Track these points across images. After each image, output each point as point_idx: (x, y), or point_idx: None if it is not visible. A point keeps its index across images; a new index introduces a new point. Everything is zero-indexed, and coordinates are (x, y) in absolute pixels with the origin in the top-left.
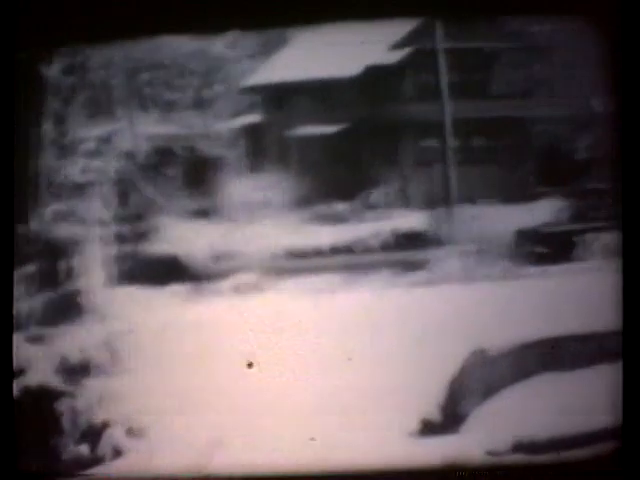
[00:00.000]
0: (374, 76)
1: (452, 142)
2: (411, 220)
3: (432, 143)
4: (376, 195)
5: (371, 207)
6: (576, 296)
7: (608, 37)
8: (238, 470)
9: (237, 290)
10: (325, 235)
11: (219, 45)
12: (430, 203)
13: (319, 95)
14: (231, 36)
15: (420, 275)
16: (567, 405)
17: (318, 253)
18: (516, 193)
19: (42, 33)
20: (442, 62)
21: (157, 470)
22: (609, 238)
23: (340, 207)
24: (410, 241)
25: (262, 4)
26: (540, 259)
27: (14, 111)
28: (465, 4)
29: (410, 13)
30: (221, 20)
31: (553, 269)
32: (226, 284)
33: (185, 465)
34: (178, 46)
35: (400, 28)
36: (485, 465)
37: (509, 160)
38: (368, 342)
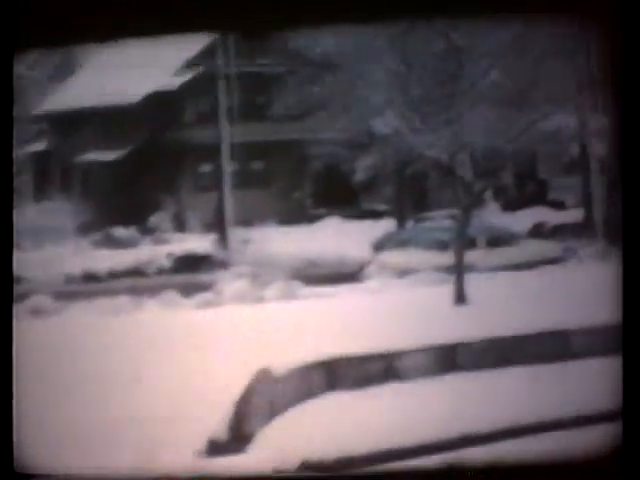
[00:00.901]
0: (156, 102)
1: (230, 166)
2: (192, 244)
3: (210, 168)
4: (157, 219)
5: (152, 231)
6: (362, 316)
7: (608, 37)
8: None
9: (33, 313)
10: (110, 259)
11: (21, 67)
12: (209, 227)
13: (104, 122)
14: (32, 57)
15: (205, 296)
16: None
17: (105, 276)
18: (294, 215)
19: (42, 33)
20: (222, 86)
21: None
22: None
23: (124, 232)
24: (194, 264)
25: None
26: (320, 281)
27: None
28: (460, 3)
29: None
30: (222, 20)
31: (331, 290)
32: (20, 307)
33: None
34: None
35: (185, 52)
36: (485, 465)
37: (287, 183)
38: (158, 360)
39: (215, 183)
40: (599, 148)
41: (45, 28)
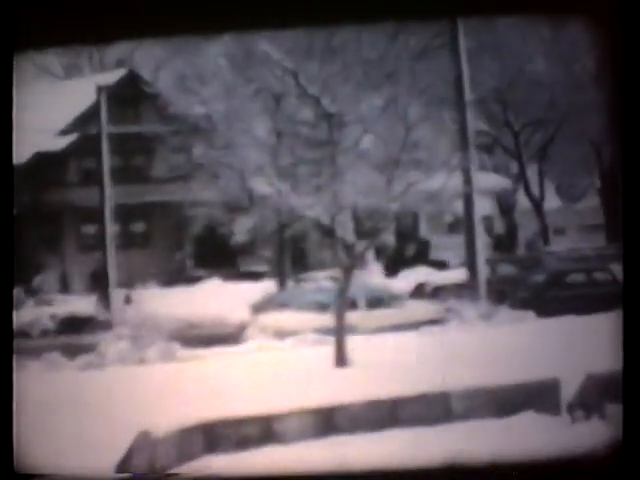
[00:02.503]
0: (40, 162)
1: (112, 228)
2: (75, 305)
3: (93, 229)
4: (41, 280)
5: (36, 292)
6: (241, 377)
7: (608, 37)
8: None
9: None
10: None
11: None
12: (91, 288)
13: None
14: None
15: (88, 358)
16: None
17: None
18: (174, 277)
19: (42, 33)
20: (105, 147)
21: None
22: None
23: None
24: (77, 325)
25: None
26: (200, 342)
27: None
28: (463, 3)
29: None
30: (223, 20)
31: (210, 352)
32: None
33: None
34: None
35: (69, 112)
36: (485, 465)
37: (168, 244)
38: (42, 422)
39: (98, 244)
40: (483, 206)
41: (45, 28)
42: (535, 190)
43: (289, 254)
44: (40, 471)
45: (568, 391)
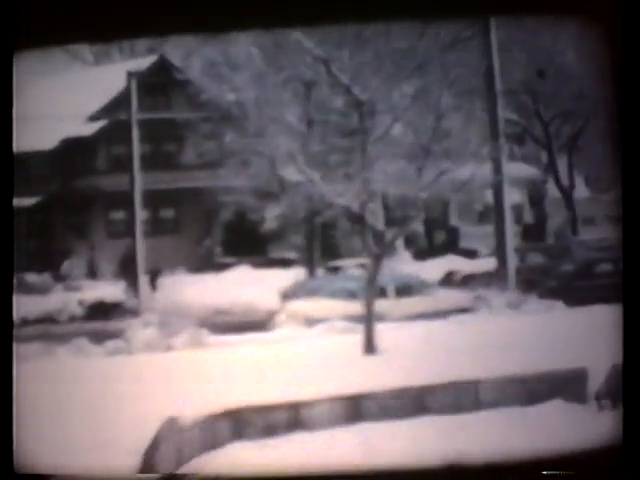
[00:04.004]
0: (69, 149)
1: (141, 214)
2: (103, 291)
3: (122, 215)
4: (69, 266)
5: (64, 278)
6: (270, 365)
7: (608, 37)
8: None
9: None
10: (23, 305)
11: None
12: (120, 274)
13: (17, 169)
14: None
15: (116, 344)
16: None
17: (17, 323)
18: (203, 263)
19: (42, 33)
20: (135, 134)
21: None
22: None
23: (35, 278)
24: (105, 311)
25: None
26: (229, 329)
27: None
28: (467, 3)
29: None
30: (223, 19)
31: (240, 339)
32: None
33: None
34: None
35: (99, 99)
36: (485, 465)
37: (197, 231)
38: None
39: (127, 230)
40: (513, 196)
41: (45, 28)
42: (564, 180)
43: (319, 241)
44: (54, 470)
45: (595, 381)
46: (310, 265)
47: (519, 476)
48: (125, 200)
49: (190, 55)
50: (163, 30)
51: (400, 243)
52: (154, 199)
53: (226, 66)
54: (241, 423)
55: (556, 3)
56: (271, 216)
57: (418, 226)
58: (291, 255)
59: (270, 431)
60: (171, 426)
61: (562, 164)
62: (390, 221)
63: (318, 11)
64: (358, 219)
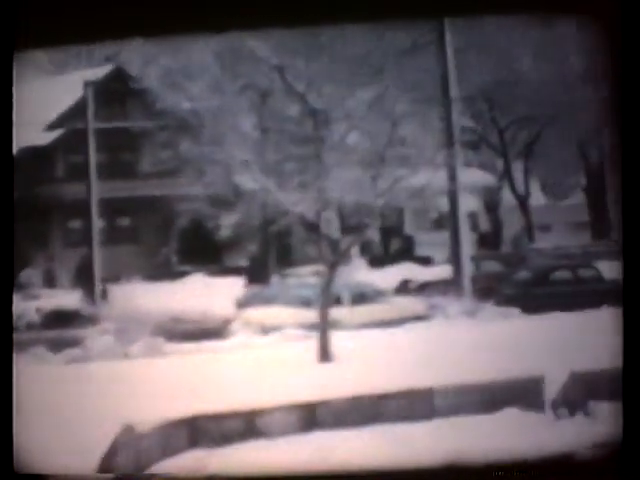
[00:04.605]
0: (27, 158)
1: (98, 222)
2: (61, 299)
3: (79, 224)
4: (27, 275)
5: (23, 287)
6: (225, 372)
7: (608, 37)
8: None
9: None
10: None
11: None
12: (78, 283)
13: None
14: None
15: (74, 352)
16: None
17: None
18: (160, 272)
19: (42, 33)
20: (92, 143)
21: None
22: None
23: None
24: (63, 319)
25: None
26: (185, 337)
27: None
28: (467, 2)
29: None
30: (223, 20)
31: (195, 346)
32: None
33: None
34: None
35: (56, 108)
36: (485, 465)
37: (153, 239)
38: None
39: (84, 239)
40: (468, 203)
41: (45, 28)
42: (520, 187)
43: (274, 249)
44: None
45: (552, 388)
46: (265, 273)
47: (520, 476)
48: (83, 209)
49: (147, 64)
50: (163, 29)
51: (356, 251)
52: (111, 208)
53: (182, 75)
54: (197, 431)
55: (556, 3)
56: (226, 224)
57: (374, 234)
58: (246, 263)
59: (226, 439)
60: (128, 434)
61: (518, 171)
62: (345, 229)
63: (274, 15)
64: (313, 227)
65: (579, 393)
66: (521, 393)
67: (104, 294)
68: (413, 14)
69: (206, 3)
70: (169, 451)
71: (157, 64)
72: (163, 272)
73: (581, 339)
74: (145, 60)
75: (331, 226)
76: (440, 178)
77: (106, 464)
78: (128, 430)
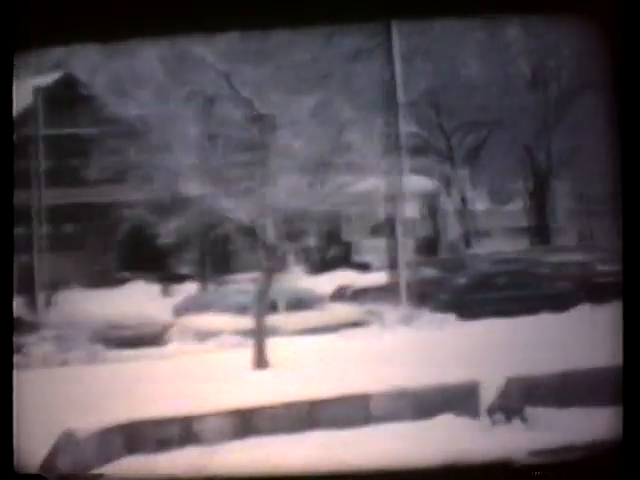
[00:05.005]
0: None
1: (42, 229)
2: None
3: (24, 230)
4: None
5: None
6: (161, 379)
7: (608, 37)
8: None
9: None
10: None
11: None
12: (19, 290)
13: None
14: None
15: (15, 359)
16: None
17: None
18: (100, 279)
19: (42, 33)
20: (35, 149)
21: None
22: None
23: None
24: None
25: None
26: (123, 344)
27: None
28: (468, 2)
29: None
30: (223, 20)
31: (133, 353)
32: None
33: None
34: None
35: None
36: (485, 465)
37: (96, 246)
38: None
39: (27, 245)
40: (408, 209)
41: (45, 28)
42: (463, 193)
43: (212, 256)
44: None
45: (488, 394)
46: (203, 279)
47: (520, 476)
48: (27, 215)
49: (95, 70)
50: (177, 29)
51: (293, 257)
52: (56, 214)
53: (130, 81)
54: (134, 437)
55: (556, 3)
56: (167, 231)
57: (311, 240)
58: (185, 270)
59: (163, 445)
60: (67, 439)
61: (464, 176)
62: (284, 235)
63: (221, 20)
64: (250, 233)
65: (515, 399)
66: (457, 399)
67: (48, 301)
68: (362, 17)
69: (153, 7)
70: (106, 456)
71: (105, 70)
72: (104, 279)
73: (517, 345)
74: (93, 66)
75: (267, 232)
76: (382, 184)
77: (46, 468)
78: (67, 435)
